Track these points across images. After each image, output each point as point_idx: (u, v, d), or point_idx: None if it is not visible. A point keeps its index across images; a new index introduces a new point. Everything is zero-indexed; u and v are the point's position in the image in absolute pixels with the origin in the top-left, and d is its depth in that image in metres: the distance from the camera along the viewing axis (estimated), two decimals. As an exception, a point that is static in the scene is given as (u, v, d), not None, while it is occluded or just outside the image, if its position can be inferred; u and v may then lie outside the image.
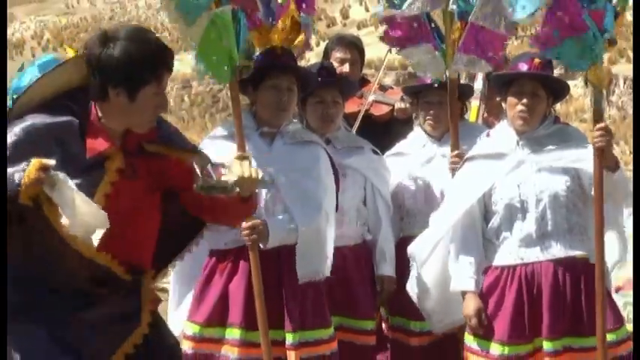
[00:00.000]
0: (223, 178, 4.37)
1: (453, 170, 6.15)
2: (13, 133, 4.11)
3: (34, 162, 3.91)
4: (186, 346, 5.79)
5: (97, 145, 4.22)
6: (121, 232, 4.20)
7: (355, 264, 6.31)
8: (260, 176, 4.45)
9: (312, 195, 5.81)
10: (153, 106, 4.28)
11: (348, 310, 6.24)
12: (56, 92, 4.26)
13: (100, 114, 4.25)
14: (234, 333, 5.72)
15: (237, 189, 4.37)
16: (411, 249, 6.06)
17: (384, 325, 6.58)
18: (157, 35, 4.42)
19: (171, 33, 77.94)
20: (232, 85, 5.74)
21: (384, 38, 6.34)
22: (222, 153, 5.62)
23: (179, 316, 5.96)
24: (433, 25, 6.21)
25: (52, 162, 3.94)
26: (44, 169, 3.90)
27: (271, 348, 5.62)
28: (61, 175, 3.95)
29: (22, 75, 4.33)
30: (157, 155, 4.41)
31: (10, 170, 3.95)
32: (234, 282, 5.71)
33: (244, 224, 5.50)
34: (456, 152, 6.19)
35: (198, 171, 4.32)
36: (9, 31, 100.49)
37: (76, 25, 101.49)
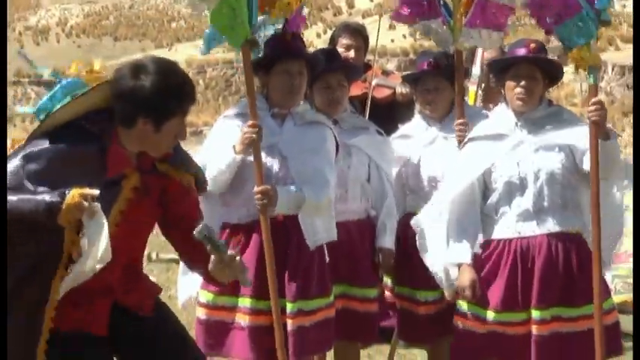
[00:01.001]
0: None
1: (460, 138, 6.17)
2: (43, 147, 4.17)
3: (78, 190, 3.96)
4: (200, 313, 5.84)
5: (117, 166, 4.28)
6: (127, 242, 4.33)
7: (359, 237, 6.30)
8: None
9: (321, 172, 5.82)
10: (174, 135, 4.34)
11: (352, 280, 6.23)
12: (79, 115, 4.30)
13: (121, 136, 4.29)
14: (245, 302, 5.73)
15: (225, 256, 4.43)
16: (416, 219, 6.05)
17: (386, 294, 6.56)
18: (183, 71, 4.46)
19: (187, 21, 78.17)
20: (245, 52, 5.67)
21: (394, 17, 6.34)
22: (235, 131, 5.73)
23: (189, 282, 5.95)
24: (442, 2, 6.16)
25: (96, 192, 3.99)
26: (89, 198, 3.96)
27: (279, 311, 5.62)
28: (99, 207, 4.00)
29: (50, 98, 4.37)
30: (165, 175, 4.48)
31: (41, 190, 4.01)
32: (246, 254, 5.67)
33: (255, 189, 5.53)
34: (461, 121, 6.20)
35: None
36: (35, 19, 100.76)
37: (98, 12, 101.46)
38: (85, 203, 3.95)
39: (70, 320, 4.33)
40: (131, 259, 4.54)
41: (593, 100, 5.48)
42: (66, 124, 4.27)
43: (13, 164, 4.11)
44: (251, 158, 5.63)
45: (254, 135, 5.54)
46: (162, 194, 4.50)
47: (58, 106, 4.30)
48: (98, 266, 4.13)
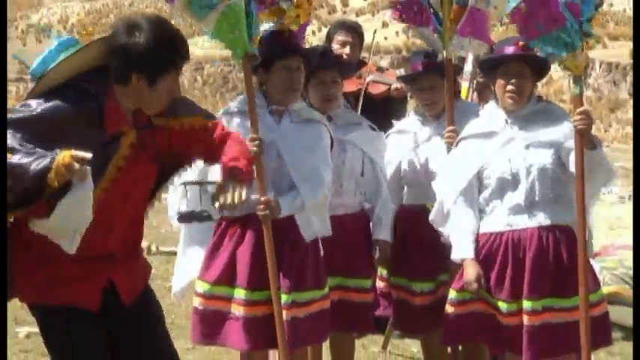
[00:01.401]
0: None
1: (450, 143, 6.15)
2: (42, 108, 4.15)
3: (69, 152, 3.94)
4: (197, 302, 5.82)
5: (115, 123, 4.27)
6: (126, 195, 4.34)
7: (354, 230, 6.29)
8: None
9: (317, 171, 5.82)
10: (167, 92, 4.33)
11: (348, 271, 6.23)
12: (74, 73, 4.28)
13: (117, 94, 4.27)
14: (240, 293, 5.71)
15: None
16: (432, 218, 6.09)
17: (381, 285, 6.55)
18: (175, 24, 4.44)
19: (184, 19, 78.19)
20: (246, 65, 5.66)
21: (397, 18, 6.36)
22: (233, 128, 5.64)
23: (182, 273, 6.02)
24: (432, 10, 6.16)
25: (88, 155, 3.96)
26: (80, 160, 3.93)
27: (281, 307, 5.63)
28: (89, 170, 3.98)
29: (45, 56, 4.34)
30: (163, 128, 4.46)
31: (39, 152, 3.99)
32: (242, 247, 5.70)
33: (261, 198, 5.54)
34: (451, 128, 6.17)
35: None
36: (37, 17, 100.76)
37: (99, 10, 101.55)
38: (76, 165, 3.92)
39: (64, 294, 4.34)
40: (130, 220, 4.54)
41: (579, 110, 5.42)
42: (62, 84, 4.26)
43: (10, 134, 4.09)
44: None
45: (256, 149, 5.52)
46: (162, 147, 4.50)
47: (53, 65, 4.28)
48: (81, 228, 4.11)
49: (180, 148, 4.61)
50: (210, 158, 4.79)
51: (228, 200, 4.56)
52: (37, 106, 4.17)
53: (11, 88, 75.04)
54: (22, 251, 4.29)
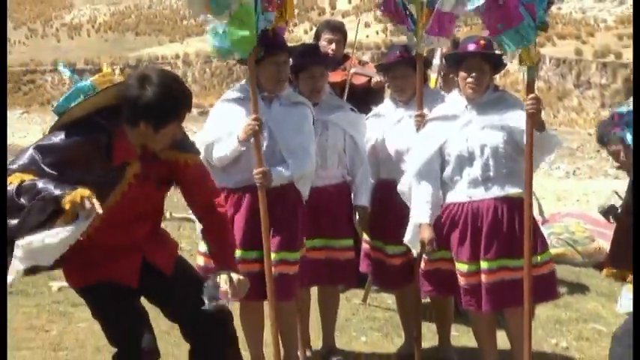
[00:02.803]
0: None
1: (418, 125, 6.17)
2: (60, 139, 4.21)
3: (86, 191, 3.97)
4: (200, 260, 5.88)
5: (123, 155, 4.30)
6: (134, 215, 4.37)
7: (337, 198, 6.30)
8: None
9: (303, 146, 5.88)
10: (171, 135, 4.35)
11: (332, 233, 6.24)
12: (90, 111, 4.31)
13: (126, 131, 4.29)
14: (237, 253, 5.71)
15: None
16: (399, 188, 6.10)
17: (365, 246, 6.55)
18: (183, 82, 4.47)
19: (196, 20, 78.10)
20: (250, 60, 5.73)
21: (385, 16, 6.42)
22: (236, 115, 5.81)
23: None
24: (407, 12, 6.19)
25: (99, 210, 3.97)
26: (90, 200, 3.95)
27: (272, 265, 5.70)
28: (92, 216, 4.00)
29: (68, 97, 4.39)
30: (167, 160, 4.47)
31: (53, 184, 4.01)
32: (239, 213, 5.74)
33: (256, 170, 5.61)
34: (419, 112, 6.19)
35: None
36: (69, 17, 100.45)
37: (122, 12, 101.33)
38: (88, 204, 3.94)
39: (104, 275, 4.34)
40: (142, 229, 4.53)
41: (530, 96, 5.46)
42: (79, 120, 4.29)
43: (31, 155, 4.15)
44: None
45: (257, 127, 5.62)
46: (165, 176, 4.52)
47: (73, 104, 4.32)
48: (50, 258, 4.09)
49: (185, 181, 4.63)
50: (188, 198, 4.79)
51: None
52: (56, 137, 4.22)
53: (47, 77, 74.99)
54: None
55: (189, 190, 4.65)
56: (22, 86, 76.50)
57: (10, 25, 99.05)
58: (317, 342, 6.59)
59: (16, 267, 3.97)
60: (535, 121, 5.48)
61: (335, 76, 7.16)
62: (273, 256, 5.72)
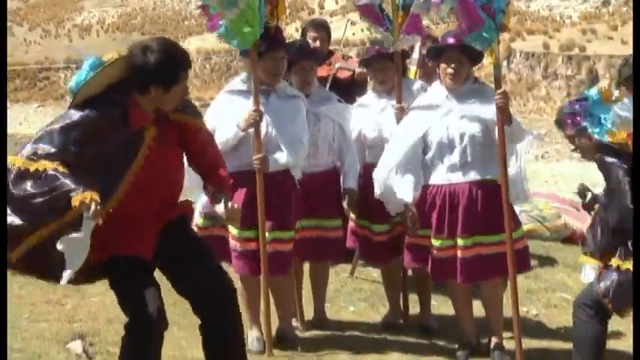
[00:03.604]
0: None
1: (398, 118, 6.21)
2: (79, 116, 4.19)
3: (94, 195, 3.96)
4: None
5: (139, 121, 4.27)
6: (154, 182, 4.29)
7: (328, 182, 6.31)
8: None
9: (297, 136, 5.92)
10: (181, 92, 4.35)
11: (323, 214, 6.26)
12: (103, 87, 4.29)
13: (139, 100, 4.27)
14: (232, 230, 5.83)
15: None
16: (374, 174, 6.06)
17: (352, 225, 6.57)
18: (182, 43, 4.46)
19: (196, 20, 77.69)
20: (252, 55, 5.82)
21: (361, 14, 6.44)
22: (237, 107, 5.88)
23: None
24: (384, 14, 6.29)
25: (98, 219, 3.98)
26: (95, 203, 3.94)
27: (266, 242, 5.75)
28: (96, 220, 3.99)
29: (80, 74, 4.34)
30: (178, 122, 4.44)
31: (67, 180, 4.01)
32: (237, 194, 5.71)
33: (255, 156, 5.70)
34: (399, 105, 6.25)
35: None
36: (80, 18, 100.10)
37: (129, 13, 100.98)
38: (94, 207, 3.93)
39: (122, 250, 4.31)
40: (165, 195, 4.48)
41: (499, 90, 5.60)
42: (93, 97, 4.26)
43: (55, 138, 4.14)
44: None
45: (257, 118, 5.73)
46: (180, 138, 4.47)
47: (84, 82, 4.28)
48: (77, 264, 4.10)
49: (190, 141, 4.56)
50: (195, 160, 4.71)
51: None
52: (75, 115, 4.21)
53: (60, 74, 74.80)
54: None
55: (199, 152, 4.60)
56: (37, 82, 76.50)
57: (25, 26, 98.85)
58: (309, 312, 6.59)
59: (72, 264, 4.02)
60: (505, 113, 5.59)
61: (321, 71, 7.16)
62: (267, 235, 5.75)
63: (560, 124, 5.38)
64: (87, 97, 4.26)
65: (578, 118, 5.15)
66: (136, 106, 4.27)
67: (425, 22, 6.61)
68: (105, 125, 4.20)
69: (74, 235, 3.96)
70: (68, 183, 4.00)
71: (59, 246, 3.98)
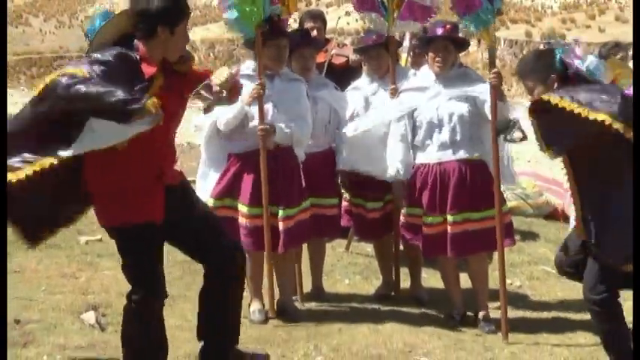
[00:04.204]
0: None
1: (391, 97, 6.25)
2: (108, 54, 4.14)
3: (156, 101, 3.93)
4: None
5: (149, 70, 4.22)
6: (163, 127, 4.17)
7: (324, 162, 6.30)
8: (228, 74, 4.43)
9: (301, 114, 5.94)
10: (184, 36, 4.29)
11: (321, 193, 6.22)
12: (114, 37, 4.26)
13: (147, 48, 4.22)
14: (243, 208, 5.81)
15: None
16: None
17: (346, 204, 6.55)
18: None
19: (201, 11, 77.60)
20: (257, 38, 5.81)
21: (353, 4, 6.49)
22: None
23: (203, 193, 5.83)
24: (380, 1, 6.29)
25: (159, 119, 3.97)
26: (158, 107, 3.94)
27: (269, 218, 5.76)
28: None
29: (92, 22, 4.38)
30: (181, 72, 4.39)
31: (116, 89, 3.91)
32: (245, 174, 5.75)
33: (260, 126, 5.68)
34: (392, 87, 6.26)
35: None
36: (92, 10, 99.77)
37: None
38: (155, 111, 3.91)
39: (134, 215, 4.22)
40: (168, 146, 4.44)
41: (493, 70, 5.58)
42: (108, 42, 4.25)
43: (85, 66, 4.05)
44: (251, 109, 5.76)
45: (261, 91, 5.72)
46: (183, 87, 4.42)
47: (100, 28, 4.28)
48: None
49: (194, 79, 4.49)
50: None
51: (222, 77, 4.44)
52: (98, 54, 4.16)
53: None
54: (98, 177, 4.20)
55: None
56: (52, 70, 76.29)
57: (41, 17, 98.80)
58: (307, 285, 6.59)
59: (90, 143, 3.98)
60: (498, 91, 5.61)
61: (318, 57, 7.14)
62: (281, 212, 5.79)
63: (521, 74, 5.00)
64: (101, 42, 4.24)
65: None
66: (145, 57, 4.23)
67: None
68: (125, 67, 4.16)
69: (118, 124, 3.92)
70: (120, 92, 3.92)
71: (94, 123, 3.95)
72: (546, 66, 4.73)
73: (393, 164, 5.98)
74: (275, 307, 5.92)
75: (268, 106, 5.81)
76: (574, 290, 7.12)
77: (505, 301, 5.68)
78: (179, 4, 4.26)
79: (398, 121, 6.00)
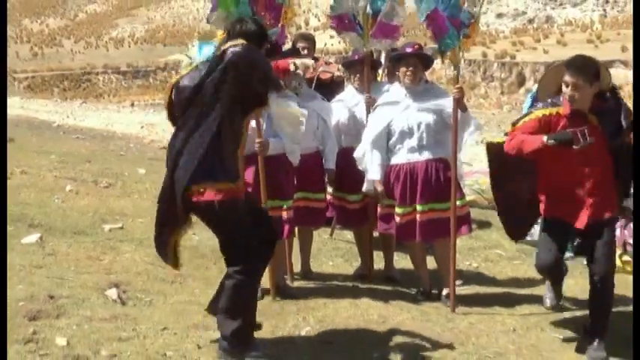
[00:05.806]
0: None
1: (367, 104, 6.28)
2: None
3: None
4: None
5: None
6: None
7: (313, 163, 6.24)
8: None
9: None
10: None
11: (309, 188, 6.19)
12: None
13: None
14: None
15: None
16: (355, 154, 6.10)
17: (330, 197, 6.53)
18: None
19: (207, 34, 77.51)
20: None
21: (332, 27, 6.45)
22: None
23: None
24: (357, 21, 6.29)
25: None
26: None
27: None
28: None
29: (204, 51, 4.48)
30: None
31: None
32: (247, 173, 5.61)
33: (257, 140, 5.56)
34: (368, 95, 6.30)
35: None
36: (115, 32, 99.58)
37: (154, 29, 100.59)
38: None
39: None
40: None
41: (457, 85, 5.64)
42: None
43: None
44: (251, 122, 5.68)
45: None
46: None
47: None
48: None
49: None
50: None
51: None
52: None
53: (99, 77, 74.31)
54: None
55: None
56: (81, 84, 76.65)
57: (72, 39, 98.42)
58: (296, 266, 6.57)
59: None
60: (460, 104, 5.65)
61: (308, 74, 7.12)
62: (285, 204, 5.77)
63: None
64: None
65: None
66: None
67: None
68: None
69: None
70: None
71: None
72: None
73: (372, 170, 5.96)
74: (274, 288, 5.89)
75: (264, 117, 5.71)
76: (521, 271, 7.17)
77: (454, 278, 5.74)
78: (264, 29, 4.60)
79: (376, 132, 5.97)
